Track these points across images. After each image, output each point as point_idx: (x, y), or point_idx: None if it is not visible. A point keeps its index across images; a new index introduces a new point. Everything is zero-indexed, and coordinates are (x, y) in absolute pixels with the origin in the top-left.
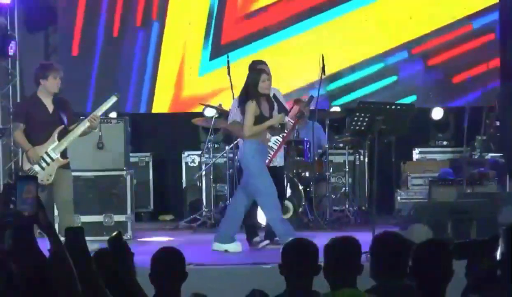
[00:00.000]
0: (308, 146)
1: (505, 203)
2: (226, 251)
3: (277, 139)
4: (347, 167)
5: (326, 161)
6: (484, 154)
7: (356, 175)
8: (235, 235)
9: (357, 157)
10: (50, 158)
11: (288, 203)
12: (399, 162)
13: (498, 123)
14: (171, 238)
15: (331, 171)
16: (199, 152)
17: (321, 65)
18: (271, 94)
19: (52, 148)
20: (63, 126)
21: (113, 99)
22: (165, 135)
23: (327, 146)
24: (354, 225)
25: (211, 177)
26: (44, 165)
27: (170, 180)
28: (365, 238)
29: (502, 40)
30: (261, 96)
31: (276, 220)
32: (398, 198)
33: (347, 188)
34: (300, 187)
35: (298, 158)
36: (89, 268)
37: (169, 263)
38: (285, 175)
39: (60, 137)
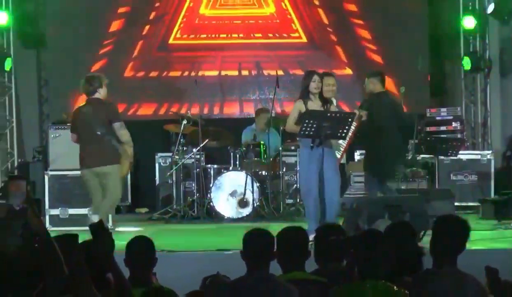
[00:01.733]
0: (264, 148)
1: (434, 198)
2: None
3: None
4: (298, 167)
5: (280, 161)
6: (416, 155)
7: None
8: None
9: None
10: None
11: (247, 198)
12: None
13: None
14: (145, 228)
15: (284, 169)
16: (170, 154)
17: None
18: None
19: None
20: None
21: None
22: (141, 139)
23: (280, 148)
24: (304, 216)
25: (181, 175)
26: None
27: (145, 178)
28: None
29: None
30: (312, 95)
31: None
32: (344, 193)
33: (298, 185)
34: (258, 184)
35: (256, 158)
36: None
37: (141, 249)
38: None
39: None
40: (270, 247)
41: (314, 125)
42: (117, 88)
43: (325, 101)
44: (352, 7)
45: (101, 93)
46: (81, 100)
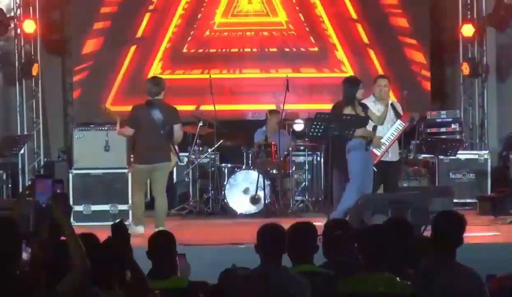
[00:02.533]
0: (275, 149)
1: (434, 195)
2: None
3: (389, 137)
4: (307, 166)
5: (290, 161)
6: (417, 154)
7: (314, 172)
8: None
9: (315, 157)
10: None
11: (259, 195)
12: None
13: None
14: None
15: (294, 169)
16: (187, 153)
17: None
18: (389, 103)
19: None
20: None
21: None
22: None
23: (290, 149)
24: (312, 212)
25: (197, 174)
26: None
27: None
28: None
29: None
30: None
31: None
32: None
33: (306, 183)
34: (268, 182)
35: (267, 158)
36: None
37: (163, 243)
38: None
39: None
40: (283, 241)
41: (322, 127)
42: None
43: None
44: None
45: (163, 96)
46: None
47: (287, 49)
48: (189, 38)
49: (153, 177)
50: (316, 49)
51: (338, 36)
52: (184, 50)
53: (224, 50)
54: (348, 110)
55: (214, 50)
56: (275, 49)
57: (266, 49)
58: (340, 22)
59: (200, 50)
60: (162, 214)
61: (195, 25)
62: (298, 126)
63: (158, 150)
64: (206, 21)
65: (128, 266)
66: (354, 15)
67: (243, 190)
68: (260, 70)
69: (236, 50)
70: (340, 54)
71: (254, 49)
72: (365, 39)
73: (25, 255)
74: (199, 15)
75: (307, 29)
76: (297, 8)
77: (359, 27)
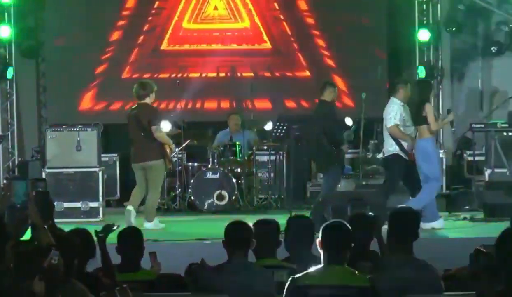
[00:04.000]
0: (239, 148)
1: (391, 192)
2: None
3: None
4: (270, 165)
5: (253, 159)
6: (375, 154)
7: (277, 170)
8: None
9: (278, 156)
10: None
11: (224, 192)
12: (310, 160)
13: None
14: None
15: (257, 167)
16: None
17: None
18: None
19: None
20: None
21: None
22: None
23: (254, 148)
24: (275, 209)
25: (165, 172)
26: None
27: (133, 174)
28: (283, 220)
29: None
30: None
31: None
32: (309, 188)
33: (270, 181)
34: (234, 180)
35: (231, 157)
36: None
37: (131, 238)
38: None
39: None
40: (249, 237)
41: (285, 127)
42: (117, 88)
43: None
44: (311, 21)
45: (152, 98)
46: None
47: (252, 53)
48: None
49: (145, 175)
50: (278, 51)
51: (298, 40)
52: (153, 53)
53: (190, 54)
54: (430, 109)
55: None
56: (241, 53)
57: (232, 53)
58: (300, 26)
59: (170, 53)
60: (148, 209)
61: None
62: (268, 126)
63: (141, 150)
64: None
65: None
66: (311, 20)
67: (208, 188)
68: (225, 73)
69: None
70: (301, 57)
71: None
72: (322, 43)
73: None
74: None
75: (269, 33)
76: (259, 13)
77: (317, 31)
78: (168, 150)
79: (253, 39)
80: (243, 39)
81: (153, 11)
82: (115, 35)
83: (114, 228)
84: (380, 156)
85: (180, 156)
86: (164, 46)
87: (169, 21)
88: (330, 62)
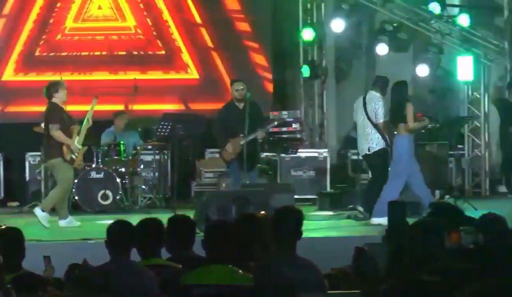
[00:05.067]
0: (124, 148)
1: (276, 192)
2: None
3: None
4: (154, 164)
5: (138, 159)
6: (260, 153)
7: (161, 170)
8: None
9: (163, 156)
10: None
11: (108, 192)
12: (195, 160)
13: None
14: (16, 221)
15: (142, 167)
16: (39, 153)
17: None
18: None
19: (77, 141)
20: (77, 125)
21: (95, 102)
22: (13, 139)
23: (139, 147)
24: (160, 209)
25: (49, 172)
26: (75, 154)
27: (16, 174)
28: (165, 221)
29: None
30: None
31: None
32: (194, 187)
33: (154, 180)
34: (118, 179)
35: (116, 157)
36: None
37: (11, 239)
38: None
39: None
40: (131, 236)
41: (169, 127)
42: None
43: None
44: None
45: (57, 98)
46: None
47: (135, 53)
48: (42, 42)
49: (52, 174)
50: (163, 52)
51: (183, 40)
52: (37, 53)
53: (75, 53)
54: (411, 109)
55: (65, 54)
56: (123, 53)
57: (115, 53)
58: (185, 26)
59: (52, 54)
60: (46, 200)
61: (47, 29)
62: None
63: (44, 149)
64: (57, 26)
65: None
66: (198, 20)
67: (93, 188)
68: (109, 73)
69: (87, 53)
70: (186, 57)
71: (104, 53)
72: (209, 42)
73: None
74: (51, 20)
75: (155, 33)
76: (145, 13)
77: (204, 31)
78: (66, 149)
79: (137, 39)
80: (128, 39)
81: (38, 11)
82: None
83: None
84: (365, 152)
85: None
86: (46, 46)
87: (52, 21)
88: (218, 62)
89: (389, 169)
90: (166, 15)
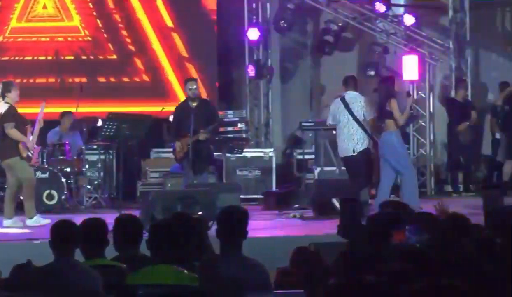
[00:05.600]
0: (69, 148)
1: (221, 191)
2: None
3: None
4: (100, 164)
5: (83, 159)
6: None
7: (107, 170)
8: None
9: (108, 155)
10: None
11: (53, 192)
12: (140, 160)
13: None
14: None
15: (87, 166)
16: None
17: None
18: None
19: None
20: (30, 125)
21: (44, 104)
22: None
23: (83, 147)
24: (105, 208)
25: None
26: (31, 152)
27: None
28: (111, 220)
29: None
30: None
31: None
32: (139, 187)
33: (100, 180)
34: (63, 179)
35: (61, 156)
36: None
37: None
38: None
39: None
40: (75, 236)
41: (114, 127)
42: None
43: None
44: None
45: (10, 97)
46: None
47: (82, 55)
48: None
49: (11, 174)
50: (114, 56)
51: (133, 41)
52: None
53: (17, 58)
54: (395, 104)
55: (7, 58)
56: (70, 55)
57: (62, 56)
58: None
59: None
60: (25, 207)
61: None
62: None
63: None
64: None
65: None
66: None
67: (37, 188)
68: (55, 73)
69: (30, 58)
70: (137, 61)
71: (49, 57)
72: (155, 43)
73: None
74: None
75: (105, 35)
76: (94, 13)
77: (148, 29)
78: (22, 147)
79: (85, 41)
80: (73, 38)
81: None
82: None
83: None
84: (349, 153)
85: None
86: None
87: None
88: (165, 64)
89: (393, 164)
90: (116, 16)
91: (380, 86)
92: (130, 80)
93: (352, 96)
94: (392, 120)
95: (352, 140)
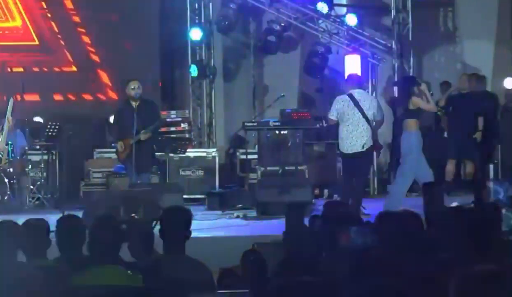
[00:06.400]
0: (12, 148)
1: (164, 191)
2: None
3: None
4: (42, 164)
5: (26, 159)
6: None
7: (49, 170)
8: None
9: (51, 156)
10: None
11: None
12: (83, 160)
13: None
14: None
15: (30, 167)
16: None
17: None
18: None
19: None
20: None
21: (11, 102)
22: None
23: (26, 148)
24: (48, 209)
25: None
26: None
27: None
28: (54, 221)
29: None
30: None
31: None
32: (82, 187)
33: (43, 180)
34: (6, 180)
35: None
36: None
37: None
38: None
39: None
40: (17, 237)
41: (57, 127)
42: None
43: None
44: (77, 19)
45: None
46: None
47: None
48: None
49: None
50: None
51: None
52: None
53: None
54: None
55: None
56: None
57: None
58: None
59: None
60: None
61: None
62: (37, 119)
63: None
64: None
65: None
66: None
67: None
68: None
69: None
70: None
71: None
72: (88, 42)
73: None
74: None
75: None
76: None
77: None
78: None
79: (23, 37)
80: (14, 37)
81: None
82: None
83: None
84: (358, 150)
85: None
86: None
87: None
88: (95, 57)
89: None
90: (49, 14)
91: (399, 86)
92: (60, 71)
93: (362, 94)
94: (414, 120)
95: (362, 137)
